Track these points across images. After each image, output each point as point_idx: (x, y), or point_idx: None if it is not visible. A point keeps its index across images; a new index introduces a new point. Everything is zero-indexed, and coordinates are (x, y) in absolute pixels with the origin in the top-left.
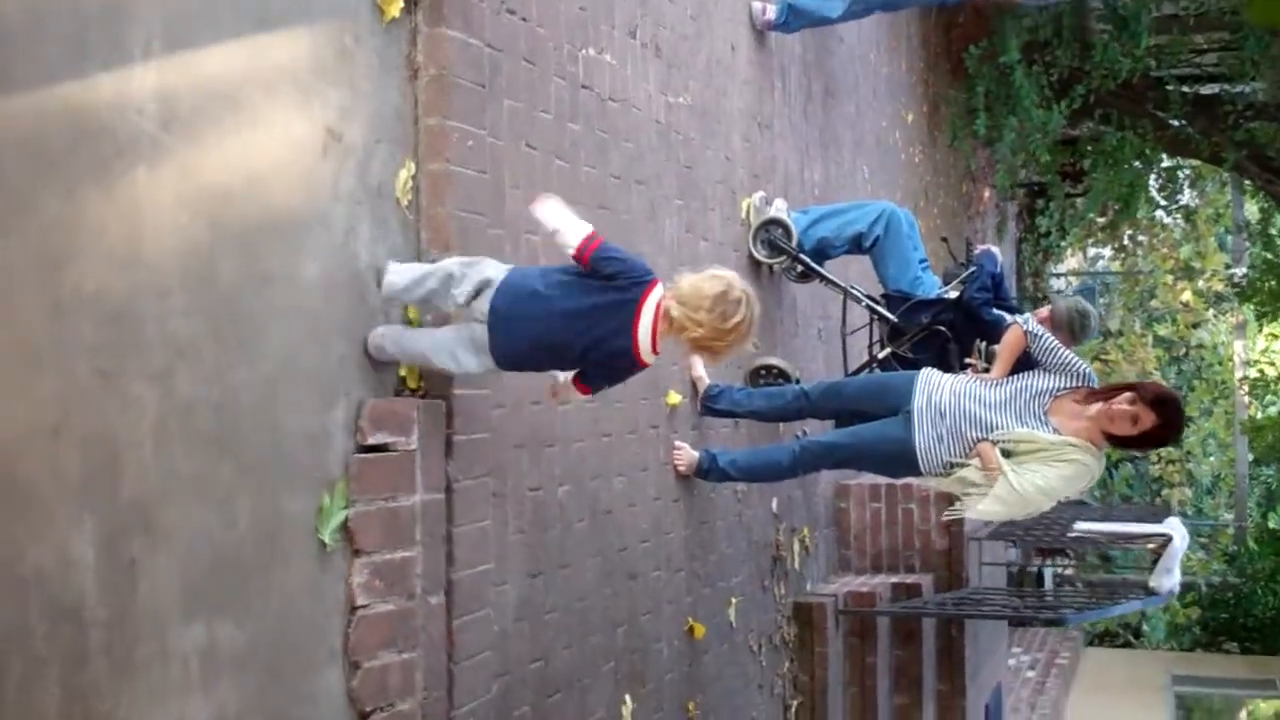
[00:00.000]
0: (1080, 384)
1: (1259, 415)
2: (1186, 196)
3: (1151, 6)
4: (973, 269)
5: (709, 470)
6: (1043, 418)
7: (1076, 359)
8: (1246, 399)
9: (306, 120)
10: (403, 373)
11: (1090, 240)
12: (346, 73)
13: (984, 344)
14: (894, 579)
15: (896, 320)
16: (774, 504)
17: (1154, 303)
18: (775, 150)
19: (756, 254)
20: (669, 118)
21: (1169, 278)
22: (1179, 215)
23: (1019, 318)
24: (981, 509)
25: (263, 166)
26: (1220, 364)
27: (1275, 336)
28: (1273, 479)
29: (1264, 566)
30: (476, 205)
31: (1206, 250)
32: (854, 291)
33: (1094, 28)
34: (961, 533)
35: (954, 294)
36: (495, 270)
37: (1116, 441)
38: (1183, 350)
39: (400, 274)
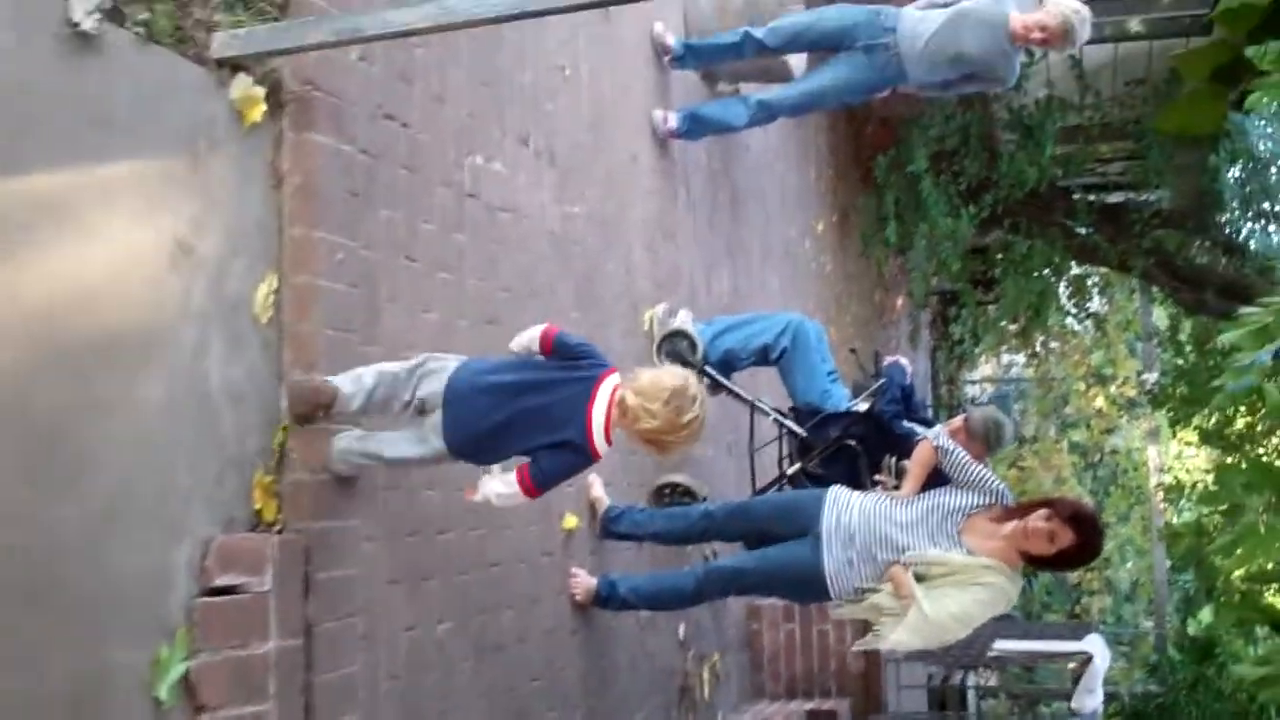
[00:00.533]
0: (994, 501)
1: (1175, 520)
2: (1096, 303)
3: (1056, 117)
4: (882, 381)
5: (608, 598)
6: (955, 538)
7: (990, 475)
8: (1162, 505)
9: (152, 232)
10: (258, 505)
11: (1003, 347)
12: (200, 180)
13: (894, 460)
14: (810, 705)
15: (805, 435)
16: (680, 630)
17: (1068, 409)
18: (679, 260)
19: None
20: (565, 228)
21: (1081, 384)
22: (1089, 323)
23: (930, 431)
24: (894, 639)
25: (97, 282)
26: (1135, 469)
27: (1188, 444)
28: (1190, 584)
29: (1185, 676)
30: (347, 321)
31: (1117, 356)
32: (760, 405)
33: (1000, 137)
34: (879, 655)
35: (864, 407)
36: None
37: (1034, 561)
38: (1097, 456)
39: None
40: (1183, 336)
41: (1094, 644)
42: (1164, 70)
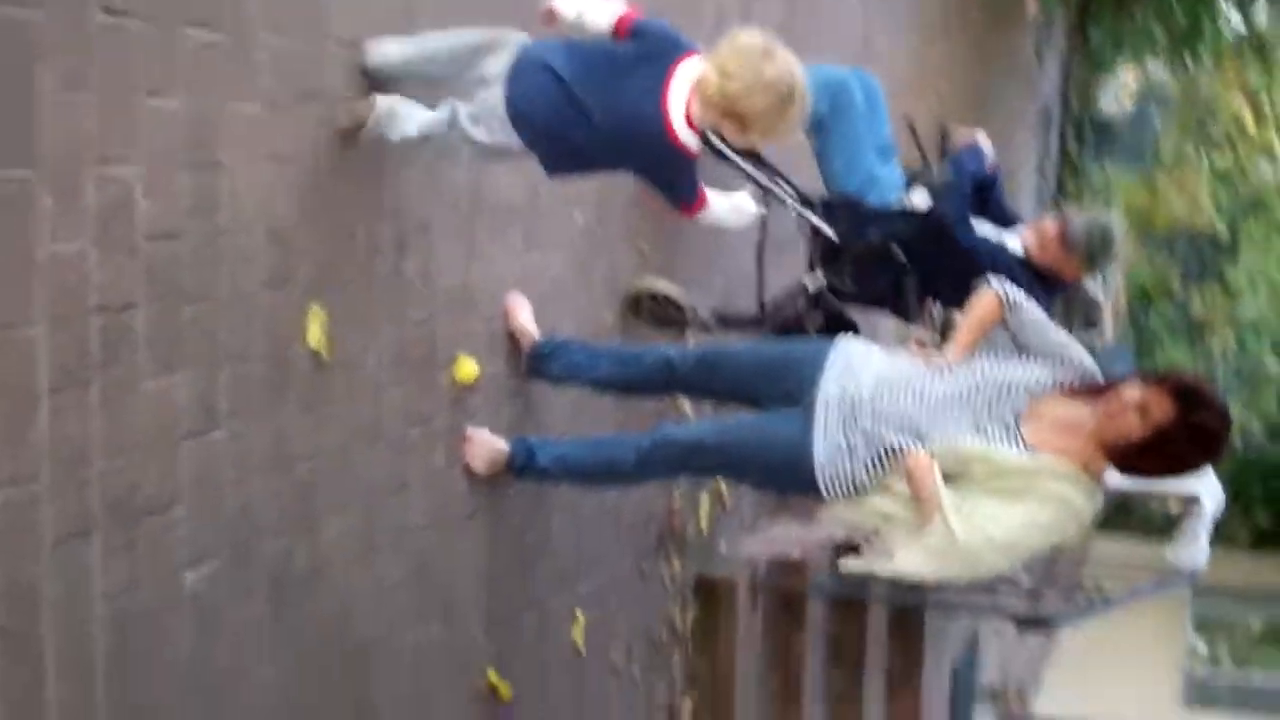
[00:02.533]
0: (1075, 378)
1: None
2: (1262, 16)
3: None
4: (948, 170)
5: (524, 468)
6: (1013, 426)
7: (1073, 343)
8: None
9: None
10: None
11: (1148, 55)
12: None
13: (940, 304)
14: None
15: (837, 238)
16: None
17: (1213, 129)
18: None
19: None
20: None
21: (1233, 101)
22: (1249, 42)
23: (993, 280)
24: (902, 562)
25: None
26: None
27: None
28: None
29: None
30: None
31: (1277, 77)
32: (779, 189)
33: None
34: None
35: (922, 204)
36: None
37: (1126, 458)
38: (1240, 185)
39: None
40: None
41: (1206, 484)
42: None
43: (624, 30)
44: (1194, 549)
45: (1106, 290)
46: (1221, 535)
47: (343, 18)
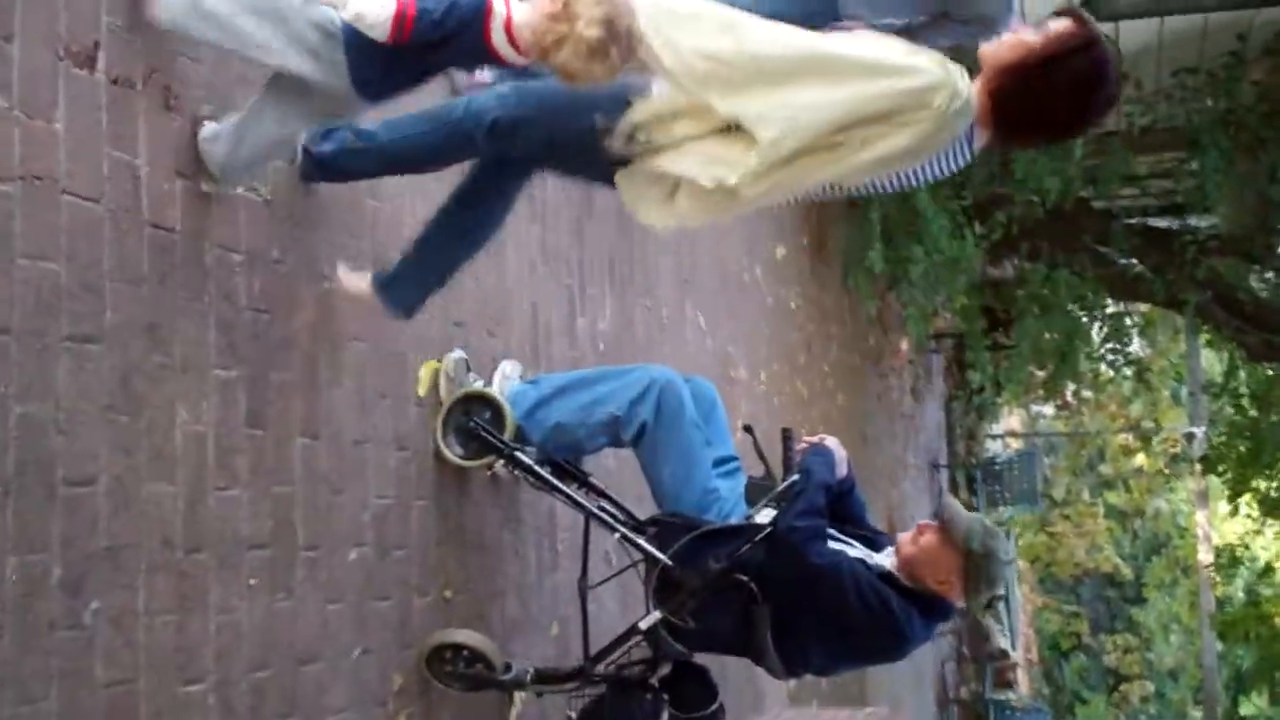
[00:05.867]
0: None
1: (1225, 593)
2: (1136, 346)
3: None
4: (793, 479)
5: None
6: None
7: None
8: (1213, 578)
9: None
10: None
11: (1030, 396)
12: None
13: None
14: None
15: (670, 563)
16: None
17: (1104, 467)
18: (508, 286)
19: (448, 453)
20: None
21: (1119, 439)
22: (1127, 370)
23: None
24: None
25: None
26: (1180, 536)
27: (1250, 518)
28: (1242, 659)
29: None
30: None
31: (1161, 407)
32: (603, 514)
33: None
34: None
35: (766, 518)
36: None
37: (1017, 78)
38: (1138, 521)
39: None
40: (1239, 386)
41: None
42: (1222, 53)
43: (407, 38)
44: None
45: (1013, 640)
46: None
47: None
